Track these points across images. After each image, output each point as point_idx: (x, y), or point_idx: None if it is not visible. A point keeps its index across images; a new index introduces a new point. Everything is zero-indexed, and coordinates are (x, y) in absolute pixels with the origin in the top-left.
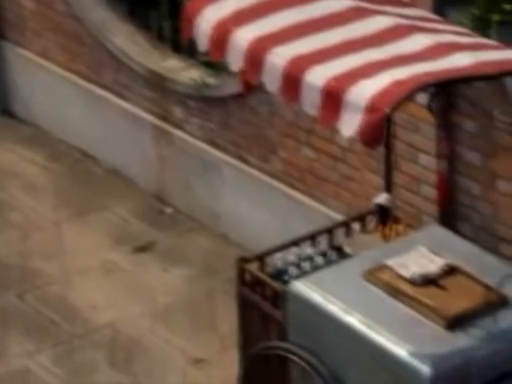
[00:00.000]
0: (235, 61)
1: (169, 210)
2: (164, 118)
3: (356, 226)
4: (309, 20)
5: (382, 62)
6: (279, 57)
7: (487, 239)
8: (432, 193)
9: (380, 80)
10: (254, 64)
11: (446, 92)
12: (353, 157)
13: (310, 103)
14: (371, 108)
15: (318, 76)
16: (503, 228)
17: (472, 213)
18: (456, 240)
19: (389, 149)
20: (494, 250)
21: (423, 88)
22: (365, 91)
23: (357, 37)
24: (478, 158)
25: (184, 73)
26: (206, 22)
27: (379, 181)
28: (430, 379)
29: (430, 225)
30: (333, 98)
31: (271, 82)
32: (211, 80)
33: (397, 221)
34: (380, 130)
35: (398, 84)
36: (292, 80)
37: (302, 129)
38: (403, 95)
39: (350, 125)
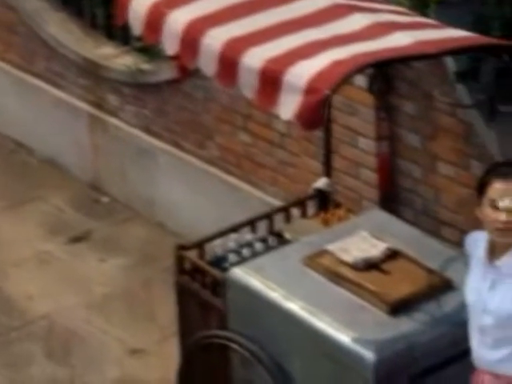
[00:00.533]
0: (170, 44)
1: (105, 199)
2: (98, 106)
3: (296, 211)
4: (244, 1)
5: (320, 42)
6: (215, 39)
7: (429, 223)
8: (372, 177)
9: (319, 61)
10: (190, 47)
11: (385, 74)
12: (290, 142)
13: (248, 86)
14: (310, 89)
15: (255, 58)
16: (444, 211)
17: (413, 196)
18: (398, 224)
19: (327, 133)
20: (435, 234)
21: (363, 68)
22: (303, 72)
23: (294, 17)
24: (418, 140)
25: (118, 60)
26: (139, 6)
27: (318, 166)
28: (374, 365)
29: (371, 209)
30: (270, 79)
31: (207, 65)
32: (145, 66)
33: (337, 205)
34: (319, 112)
35: (337, 64)
36: (228, 63)
37: (238, 114)
38: (343, 76)
39: (288, 107)
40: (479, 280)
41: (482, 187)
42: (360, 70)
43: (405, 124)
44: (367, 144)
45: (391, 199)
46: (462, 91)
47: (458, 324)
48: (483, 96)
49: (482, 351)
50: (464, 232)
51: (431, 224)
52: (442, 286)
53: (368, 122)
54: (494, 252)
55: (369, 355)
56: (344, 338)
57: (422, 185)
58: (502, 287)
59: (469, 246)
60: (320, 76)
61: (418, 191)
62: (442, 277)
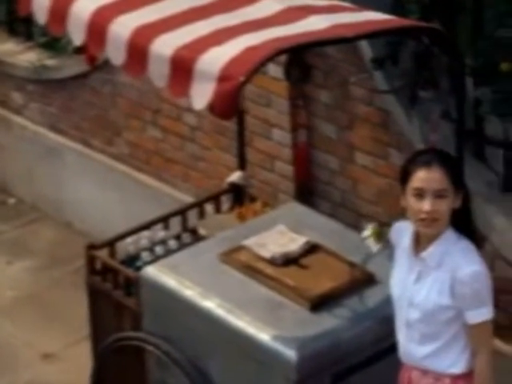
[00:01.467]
0: (77, 34)
1: (11, 201)
2: (2, 104)
3: (210, 206)
4: None
5: (232, 28)
6: (123, 27)
7: (347, 215)
8: (287, 169)
9: (232, 47)
10: (97, 36)
11: (300, 61)
12: (202, 135)
13: (159, 75)
14: (224, 76)
15: (165, 45)
16: (363, 203)
17: (330, 188)
18: (316, 217)
19: (241, 125)
20: (354, 227)
21: (278, 54)
22: (216, 59)
23: (205, 3)
24: (335, 130)
25: (21, 56)
26: None
27: (231, 159)
28: (296, 364)
29: (288, 202)
30: (182, 67)
31: (116, 54)
32: (50, 62)
33: (253, 200)
34: (234, 100)
35: (251, 50)
36: (138, 51)
37: (147, 108)
38: (258, 62)
39: (201, 96)
40: (405, 272)
41: (404, 176)
42: (275, 55)
43: (320, 114)
44: (282, 136)
45: (307, 192)
46: (379, 78)
47: (383, 319)
48: (402, 82)
49: (409, 346)
50: (383, 224)
51: (349, 216)
52: (364, 280)
53: (283, 113)
54: (419, 243)
55: (290, 354)
56: (264, 336)
57: (339, 176)
58: (428, 280)
59: (393, 237)
60: (234, 62)
61: (335, 183)
62: (364, 271)
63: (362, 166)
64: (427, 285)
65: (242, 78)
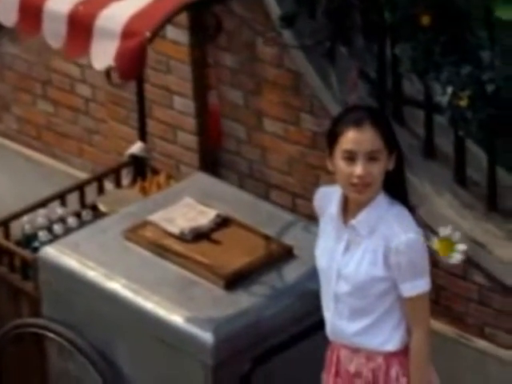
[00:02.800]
0: None
1: None
2: None
3: (109, 181)
4: None
5: None
6: None
7: (256, 186)
8: (191, 140)
9: (135, 1)
10: None
11: (203, 24)
12: (97, 107)
13: (54, 34)
14: (128, 33)
15: (61, 1)
16: (273, 173)
17: (237, 159)
18: (225, 188)
19: (140, 93)
20: (264, 198)
21: (186, 8)
22: (119, 15)
23: None
24: (241, 95)
25: None
26: None
27: (130, 132)
28: (212, 347)
29: (195, 174)
30: (81, 25)
31: (6, 13)
32: None
33: (156, 173)
34: (140, 58)
35: (156, 4)
36: (31, 9)
37: (37, 81)
38: (164, 16)
39: (103, 55)
40: (332, 241)
41: (332, 138)
42: (183, 9)
43: (225, 79)
44: (185, 104)
45: (213, 163)
46: (289, 37)
47: (304, 295)
48: (314, 40)
49: (338, 323)
50: (295, 195)
51: (258, 188)
52: (281, 254)
53: (185, 80)
54: (347, 210)
55: (205, 336)
56: (176, 318)
57: (247, 145)
58: (359, 249)
59: (318, 203)
60: (138, 18)
61: (242, 153)
62: (281, 244)
63: (271, 133)
64: (357, 255)
65: (147, 34)
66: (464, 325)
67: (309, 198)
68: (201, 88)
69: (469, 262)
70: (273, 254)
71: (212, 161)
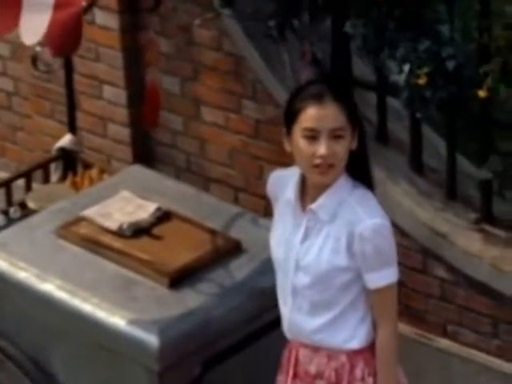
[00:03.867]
0: None
1: None
2: None
3: (38, 176)
4: None
5: None
6: None
7: (194, 182)
8: (123, 133)
9: None
10: None
11: (130, 8)
12: (20, 101)
13: None
14: (62, 2)
15: None
16: (212, 166)
17: (173, 152)
18: (165, 181)
19: (69, 83)
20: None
21: None
22: None
23: None
24: (177, 83)
25: None
26: None
27: (57, 126)
28: (158, 351)
29: (131, 166)
30: None
31: None
32: None
33: (88, 166)
34: (76, 30)
35: None
36: None
37: None
38: None
39: (34, 29)
40: (289, 229)
41: (290, 115)
42: None
43: (159, 65)
44: (116, 94)
45: (147, 157)
46: (228, 18)
47: (255, 292)
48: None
49: (297, 319)
50: (237, 189)
51: (197, 182)
52: (229, 249)
53: (115, 68)
54: (306, 193)
55: (150, 339)
56: (117, 320)
57: (184, 137)
58: (320, 237)
59: (273, 188)
60: None
61: (178, 145)
62: (228, 238)
63: (210, 123)
64: (318, 243)
65: (83, 3)
66: (424, 323)
67: (252, 192)
68: (133, 76)
69: (429, 254)
70: (219, 249)
71: (146, 154)
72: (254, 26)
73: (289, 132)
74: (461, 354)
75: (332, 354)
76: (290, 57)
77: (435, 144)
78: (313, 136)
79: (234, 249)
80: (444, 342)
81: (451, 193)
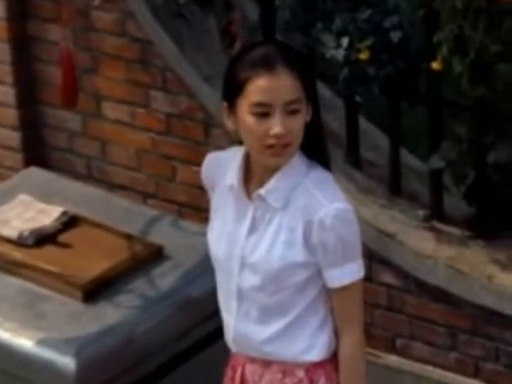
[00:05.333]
0: None
1: None
2: None
3: None
4: None
5: None
6: None
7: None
8: (11, 136)
9: None
10: None
11: None
12: None
13: None
14: None
15: None
16: (117, 170)
17: (70, 156)
18: (69, 183)
19: None
20: None
21: None
22: None
23: None
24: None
25: None
26: None
27: None
28: (76, 374)
29: (27, 169)
30: None
31: None
32: None
33: None
34: None
35: None
36: None
37: None
38: None
39: None
40: (232, 221)
41: (234, 87)
42: None
43: (49, 58)
44: (2, 92)
45: (40, 163)
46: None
47: (186, 303)
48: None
49: (243, 327)
50: (147, 195)
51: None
52: (149, 256)
53: (2, 62)
54: (251, 178)
55: (66, 361)
56: (24, 342)
57: (82, 138)
58: (270, 227)
59: (209, 174)
60: None
61: (76, 148)
62: (147, 243)
63: (113, 120)
64: (268, 235)
65: None
66: (370, 338)
67: (163, 198)
68: (22, 71)
69: (374, 257)
70: (139, 255)
71: (39, 161)
72: (162, 5)
73: (231, 106)
74: (413, 370)
75: (287, 368)
76: (203, 39)
77: (372, 135)
78: (264, 112)
79: (155, 255)
80: (393, 359)
81: (395, 188)
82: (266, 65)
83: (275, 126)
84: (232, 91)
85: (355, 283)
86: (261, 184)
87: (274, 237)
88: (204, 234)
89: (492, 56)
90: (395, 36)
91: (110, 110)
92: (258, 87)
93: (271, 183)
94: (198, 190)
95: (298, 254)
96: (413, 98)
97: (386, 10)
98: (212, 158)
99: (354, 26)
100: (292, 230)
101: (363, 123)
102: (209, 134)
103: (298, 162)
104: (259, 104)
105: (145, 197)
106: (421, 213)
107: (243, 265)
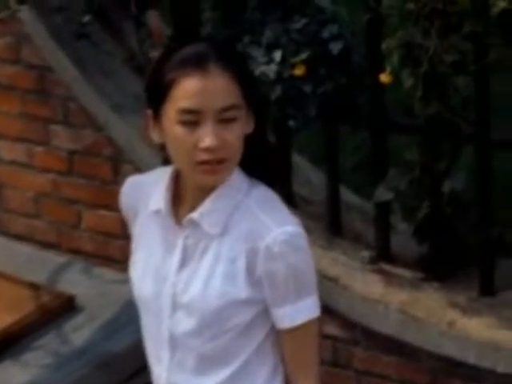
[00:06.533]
0: None
1: None
2: None
3: None
4: None
5: None
6: None
7: None
8: None
9: None
10: None
11: None
12: None
13: None
14: None
15: None
16: (11, 217)
17: None
18: None
19: None
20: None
21: None
22: None
23: None
24: None
25: None
26: None
27: None
28: None
29: None
30: None
31: None
32: None
33: None
34: None
35: None
36: None
37: None
38: None
39: None
40: (159, 254)
41: (158, 89)
42: None
43: None
44: None
45: None
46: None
47: (103, 360)
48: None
49: (178, 380)
50: (47, 245)
51: None
52: (59, 307)
53: None
54: (183, 201)
55: None
56: None
57: None
58: (205, 259)
59: (130, 200)
60: None
61: None
62: (57, 294)
63: (7, 161)
64: (204, 268)
65: None
66: None
67: (67, 248)
68: None
69: None
70: (47, 307)
71: None
72: (62, 25)
73: (156, 115)
74: None
75: None
76: (108, 64)
77: (303, 169)
78: (193, 121)
79: (66, 306)
80: None
81: (335, 227)
82: (196, 63)
83: (206, 137)
84: (157, 96)
85: (310, 322)
86: (193, 207)
87: (211, 270)
88: (121, 282)
89: (447, 67)
90: (335, 47)
91: (3, 149)
92: (186, 90)
93: (205, 205)
94: (107, 237)
95: (241, 290)
96: (356, 119)
97: (323, 18)
98: (133, 182)
99: (287, 37)
100: (232, 260)
101: (295, 157)
102: (118, 172)
103: (237, 180)
104: (187, 111)
105: (44, 247)
106: (366, 254)
107: (175, 305)
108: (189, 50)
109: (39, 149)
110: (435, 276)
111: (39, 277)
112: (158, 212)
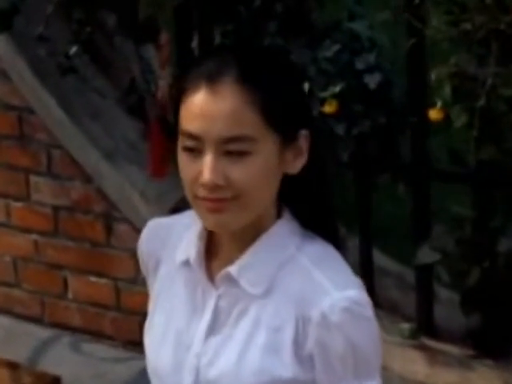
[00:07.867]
0: None
1: None
2: None
3: None
4: None
5: None
6: None
7: None
8: None
9: None
10: None
11: None
12: None
13: None
14: None
15: None
16: None
17: None
18: None
19: None
20: None
21: None
22: None
23: None
24: None
25: None
26: None
27: None
28: None
29: None
30: None
31: None
32: None
33: None
34: None
35: None
36: None
37: None
38: None
39: None
40: (183, 315)
41: (174, 107)
42: None
43: None
44: None
45: None
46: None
47: None
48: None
49: None
50: (30, 319)
51: None
52: None
53: None
54: (216, 251)
55: None
56: None
57: None
58: (241, 325)
59: (150, 249)
60: None
61: None
62: (39, 374)
63: None
64: (239, 336)
65: None
66: None
67: (51, 322)
68: None
69: None
70: None
71: None
72: (45, 59)
73: (177, 134)
74: None
75: None
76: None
77: None
78: (196, 147)
79: None
80: None
81: (368, 295)
82: (208, 77)
83: (205, 170)
84: (174, 113)
85: None
86: (230, 261)
87: (248, 339)
88: (114, 361)
89: (504, 102)
90: (372, 80)
91: None
92: (189, 109)
93: (246, 258)
94: (97, 308)
95: (285, 367)
96: (396, 167)
97: (357, 46)
98: (156, 225)
99: (315, 67)
100: (276, 329)
101: None
102: (111, 232)
103: (286, 229)
104: (188, 134)
105: (26, 320)
106: (405, 326)
107: (198, 381)
108: (210, 60)
109: (18, 204)
110: (487, 353)
111: (19, 355)
112: (186, 264)
